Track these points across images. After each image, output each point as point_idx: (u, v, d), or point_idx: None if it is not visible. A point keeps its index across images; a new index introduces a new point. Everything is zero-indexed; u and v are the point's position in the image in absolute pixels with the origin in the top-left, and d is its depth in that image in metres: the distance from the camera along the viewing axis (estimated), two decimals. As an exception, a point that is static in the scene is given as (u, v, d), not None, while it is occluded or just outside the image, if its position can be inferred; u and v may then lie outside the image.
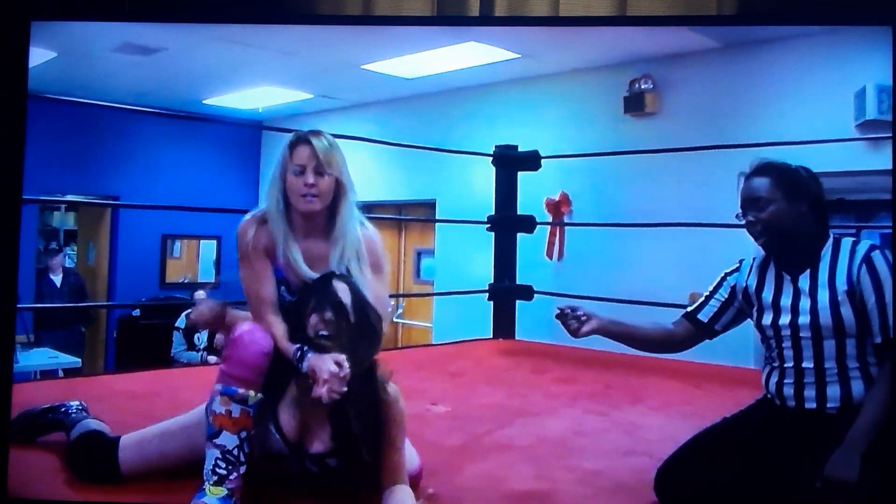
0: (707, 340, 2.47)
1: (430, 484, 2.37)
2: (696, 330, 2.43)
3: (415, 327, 7.53)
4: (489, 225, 5.07)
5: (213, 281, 8.17)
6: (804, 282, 2.23)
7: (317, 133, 2.27)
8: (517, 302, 5.02)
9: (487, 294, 5.05)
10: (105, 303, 8.16)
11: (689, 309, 2.46)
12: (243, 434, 2.08)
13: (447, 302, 6.71)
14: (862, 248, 2.19)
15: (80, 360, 6.36)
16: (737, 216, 2.31)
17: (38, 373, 5.49)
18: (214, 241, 8.30)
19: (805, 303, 2.22)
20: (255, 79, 6.84)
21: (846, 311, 2.16)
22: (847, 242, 2.23)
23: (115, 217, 8.10)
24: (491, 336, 4.97)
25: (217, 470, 2.06)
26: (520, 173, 5.11)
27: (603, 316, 2.38)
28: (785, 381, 2.26)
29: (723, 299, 2.40)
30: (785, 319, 2.24)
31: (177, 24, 4.56)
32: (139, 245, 8.06)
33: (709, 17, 2.93)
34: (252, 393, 2.08)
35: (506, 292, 5.01)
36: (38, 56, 5.61)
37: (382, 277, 2.35)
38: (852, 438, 2.07)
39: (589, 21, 2.99)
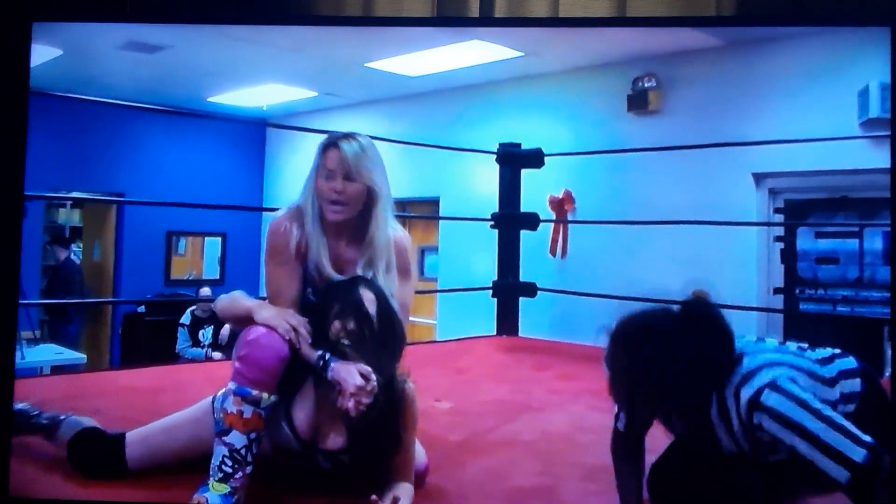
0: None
1: (435, 479, 2.39)
2: (635, 439, 2.24)
3: (418, 324, 7.53)
4: (493, 222, 5.08)
5: (217, 277, 8.18)
6: (720, 433, 2.00)
7: (349, 136, 2.25)
8: (520, 299, 5.03)
9: (491, 291, 5.06)
10: (110, 299, 8.18)
11: (623, 431, 2.24)
12: (252, 435, 2.08)
13: (451, 299, 6.72)
14: (743, 410, 1.89)
15: (84, 356, 6.38)
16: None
17: (41, 368, 5.50)
18: (219, 238, 8.31)
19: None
20: (259, 76, 6.85)
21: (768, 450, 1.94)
22: (729, 397, 1.92)
23: (120, 214, 8.11)
24: (494, 333, 4.98)
25: (223, 467, 2.07)
26: (523, 171, 5.12)
27: None
28: None
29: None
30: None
31: (186, 24, 4.57)
32: (144, 242, 8.07)
33: (708, 18, 2.94)
34: (265, 395, 2.08)
35: (509, 289, 5.02)
36: (44, 54, 5.64)
37: (409, 282, 2.34)
38: None
39: (588, 22, 3.00)
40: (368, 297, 2.11)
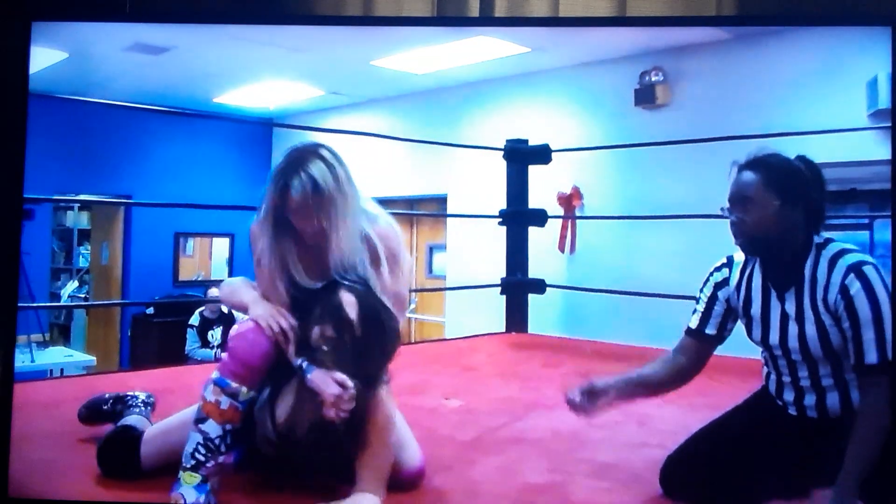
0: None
1: (445, 477, 2.37)
2: (707, 344, 2.31)
3: (427, 322, 7.53)
4: (501, 219, 5.07)
5: (226, 278, 8.18)
6: (790, 303, 2.13)
7: (303, 168, 2.14)
8: (530, 296, 5.02)
9: (500, 288, 5.05)
10: (119, 301, 8.20)
11: (691, 326, 2.33)
12: (228, 427, 2.09)
13: (460, 297, 6.71)
14: (840, 270, 2.05)
15: (94, 358, 6.40)
16: (722, 209, 2.16)
17: (51, 371, 5.52)
18: (227, 239, 8.32)
19: (793, 328, 2.13)
20: (265, 76, 6.85)
21: (835, 338, 2.08)
22: (827, 255, 2.08)
23: (128, 216, 8.13)
24: (504, 330, 4.97)
25: (196, 455, 2.07)
26: (531, 167, 5.11)
27: (610, 382, 2.27)
28: (784, 390, 2.23)
29: (723, 310, 2.29)
30: (774, 338, 2.17)
31: (186, 23, 4.57)
32: (152, 243, 8.09)
33: (708, 18, 2.93)
34: (244, 389, 2.08)
35: (518, 286, 5.01)
36: (50, 57, 5.66)
37: (399, 271, 2.28)
38: (844, 481, 1.96)
39: (588, 22, 3.00)
40: (349, 301, 2.07)
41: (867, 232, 4.74)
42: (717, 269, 2.31)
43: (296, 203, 2.15)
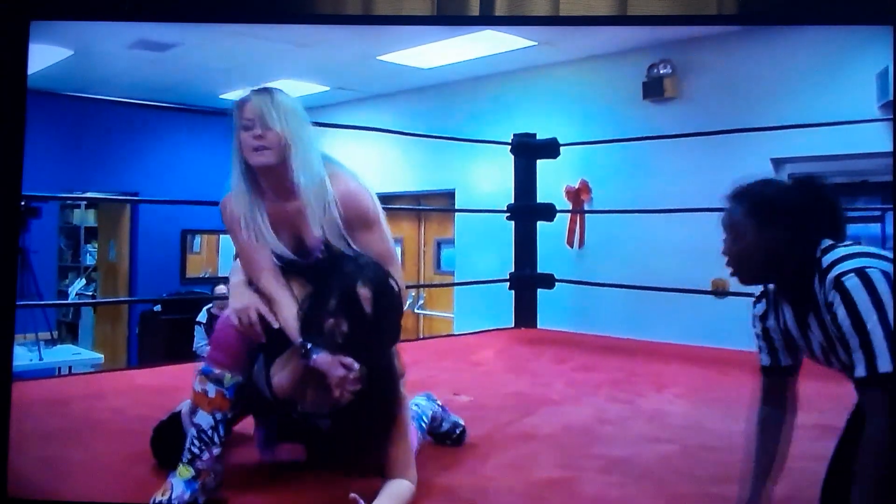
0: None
1: (455, 473, 2.36)
2: (788, 376, 2.12)
3: (436, 318, 7.52)
4: (509, 214, 5.05)
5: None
6: (814, 328, 1.97)
7: (266, 89, 2.26)
8: (538, 290, 5.00)
9: (508, 283, 5.04)
10: (126, 298, 8.21)
11: (765, 365, 2.14)
12: (218, 415, 2.10)
13: (468, 292, 6.70)
14: (829, 287, 1.88)
15: (102, 356, 6.41)
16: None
17: (59, 369, 5.53)
18: (234, 236, 8.32)
19: (831, 352, 1.97)
20: (271, 72, 6.83)
21: None
22: (823, 273, 1.91)
23: (134, 213, 8.15)
24: (513, 325, 4.96)
25: (192, 448, 2.08)
26: (539, 161, 5.08)
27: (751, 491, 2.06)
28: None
29: (782, 339, 2.10)
30: (820, 357, 2.02)
31: (186, 23, 4.55)
32: (159, 240, 8.10)
33: (709, 17, 2.90)
34: (228, 375, 2.11)
35: (527, 281, 4.99)
36: (55, 54, 5.67)
37: (375, 230, 2.24)
38: None
39: (589, 21, 2.98)
40: (365, 296, 2.04)
41: (879, 224, 4.71)
42: (757, 300, 2.19)
43: (253, 111, 2.19)
